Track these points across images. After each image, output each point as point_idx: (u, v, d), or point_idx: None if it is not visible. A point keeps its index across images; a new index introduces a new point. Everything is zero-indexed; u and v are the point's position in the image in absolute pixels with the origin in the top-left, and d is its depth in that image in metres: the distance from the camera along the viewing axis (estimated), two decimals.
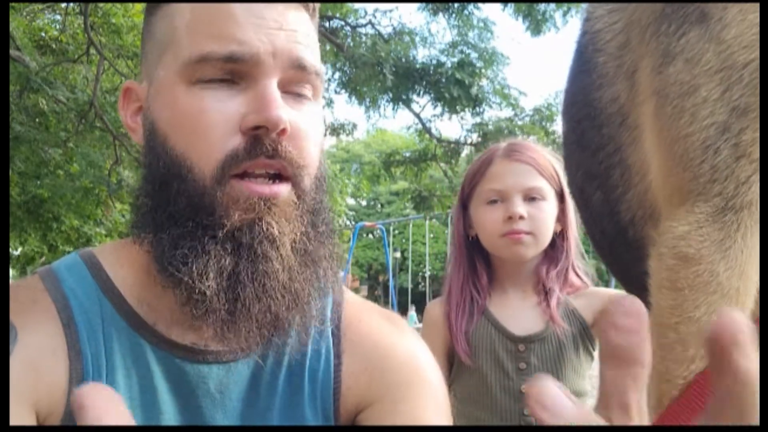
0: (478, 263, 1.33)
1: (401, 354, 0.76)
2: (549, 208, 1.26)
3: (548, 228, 1.26)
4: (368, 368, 0.74)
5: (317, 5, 0.73)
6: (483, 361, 1.25)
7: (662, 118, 0.62)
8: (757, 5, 0.54)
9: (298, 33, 0.68)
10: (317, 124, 0.70)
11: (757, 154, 0.55)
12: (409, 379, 0.74)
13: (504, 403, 1.21)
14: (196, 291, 0.63)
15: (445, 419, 0.74)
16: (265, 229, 0.64)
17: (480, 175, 1.32)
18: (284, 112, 0.64)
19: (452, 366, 1.32)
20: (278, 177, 0.66)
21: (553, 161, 1.30)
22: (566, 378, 1.21)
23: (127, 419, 0.27)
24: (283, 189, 0.66)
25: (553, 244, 1.29)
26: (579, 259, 1.32)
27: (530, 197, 1.25)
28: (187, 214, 0.64)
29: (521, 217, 1.23)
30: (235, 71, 0.65)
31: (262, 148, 0.63)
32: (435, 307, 1.37)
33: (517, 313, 1.27)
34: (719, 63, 0.57)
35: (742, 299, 0.58)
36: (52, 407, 0.63)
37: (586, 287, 1.30)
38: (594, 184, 0.80)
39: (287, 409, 0.71)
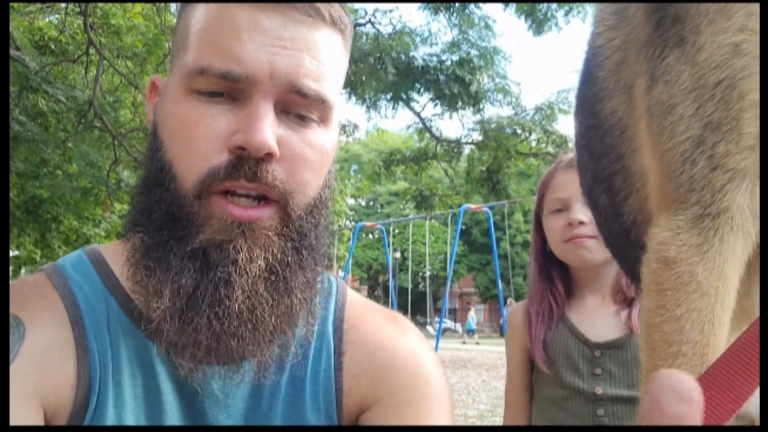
0: (554, 272, 1.36)
1: (404, 356, 0.75)
2: None
3: None
4: (370, 370, 0.74)
5: (349, 23, 0.71)
6: (559, 365, 1.28)
7: (652, 135, 0.66)
8: (726, 26, 0.58)
9: (309, 56, 0.65)
10: (320, 149, 0.67)
11: (730, 165, 0.58)
12: (412, 382, 0.73)
13: (578, 404, 1.24)
14: (153, 310, 0.63)
15: (448, 422, 0.73)
16: (233, 253, 0.62)
17: (545, 186, 1.37)
18: (271, 135, 0.62)
19: (533, 368, 1.36)
20: (264, 198, 0.64)
21: None
22: None
23: None
24: (264, 213, 0.64)
25: None
26: None
27: None
28: (163, 223, 0.64)
29: (581, 222, 1.27)
30: (232, 88, 0.63)
31: (242, 169, 0.62)
32: (518, 312, 1.41)
33: (595, 319, 1.29)
34: (693, 83, 0.60)
35: (721, 297, 0.61)
36: (59, 404, 0.63)
37: None
38: (600, 187, 0.83)
39: (290, 410, 0.71)
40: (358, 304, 0.79)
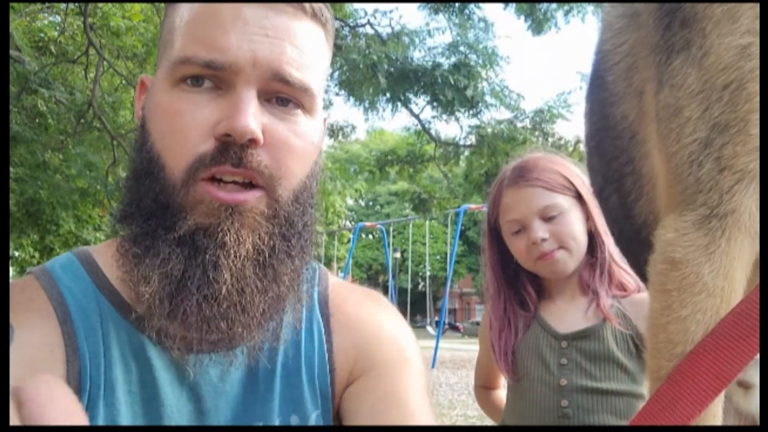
0: (526, 280, 1.36)
1: (386, 332, 0.79)
2: (571, 219, 1.28)
3: (577, 237, 1.28)
4: (357, 344, 0.77)
5: (331, 17, 0.73)
6: (528, 359, 1.29)
7: (659, 139, 0.67)
8: (733, 28, 0.58)
9: (291, 45, 0.66)
10: (304, 137, 0.69)
11: (738, 166, 0.59)
12: (393, 357, 0.77)
13: (543, 395, 1.25)
14: (141, 294, 0.64)
15: (423, 396, 0.77)
16: (221, 236, 0.63)
17: (497, 207, 1.35)
18: (254, 121, 0.63)
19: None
20: (250, 185, 0.66)
21: (563, 168, 1.31)
22: (614, 377, 1.22)
23: (76, 409, 0.27)
24: (251, 197, 0.65)
25: (591, 245, 1.32)
26: (621, 256, 1.31)
27: (549, 216, 1.27)
28: (152, 212, 0.65)
29: (543, 239, 1.26)
30: (216, 77, 0.65)
31: (228, 155, 0.63)
32: (486, 321, 1.44)
33: (564, 314, 1.30)
34: (700, 85, 0.61)
35: (727, 297, 0.61)
36: None
37: (636, 290, 1.30)
38: (611, 187, 0.84)
39: (287, 390, 0.73)
40: (339, 285, 0.83)
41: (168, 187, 0.65)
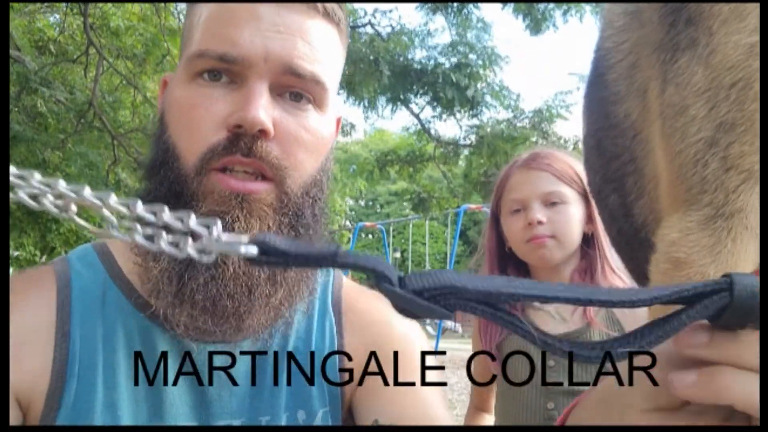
0: (511, 272, 1.36)
1: (396, 335, 0.80)
2: (571, 211, 1.29)
3: (572, 230, 1.29)
4: (367, 344, 0.78)
5: (344, 17, 0.74)
6: (515, 359, 1.29)
7: (663, 138, 0.66)
8: (741, 26, 0.57)
9: (302, 40, 0.68)
10: (315, 132, 0.71)
11: (745, 165, 0.58)
12: (402, 358, 0.78)
13: (530, 396, 1.25)
14: (150, 270, 0.67)
15: (437, 390, 0.77)
16: (230, 222, 0.65)
17: (502, 187, 1.37)
18: (264, 113, 0.65)
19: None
20: (261, 176, 0.68)
21: (575, 164, 1.33)
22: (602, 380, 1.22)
23: None
24: (261, 187, 0.67)
25: (588, 247, 1.32)
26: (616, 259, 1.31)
27: (550, 202, 1.28)
28: (166, 200, 0.66)
29: (540, 222, 1.27)
30: (229, 70, 0.67)
31: (239, 145, 0.65)
32: None
33: (553, 314, 1.30)
34: (706, 84, 0.60)
35: None
36: (34, 388, 0.65)
37: None
38: (610, 187, 0.83)
39: (295, 386, 0.74)
40: (351, 286, 0.86)
41: (181, 177, 0.67)
